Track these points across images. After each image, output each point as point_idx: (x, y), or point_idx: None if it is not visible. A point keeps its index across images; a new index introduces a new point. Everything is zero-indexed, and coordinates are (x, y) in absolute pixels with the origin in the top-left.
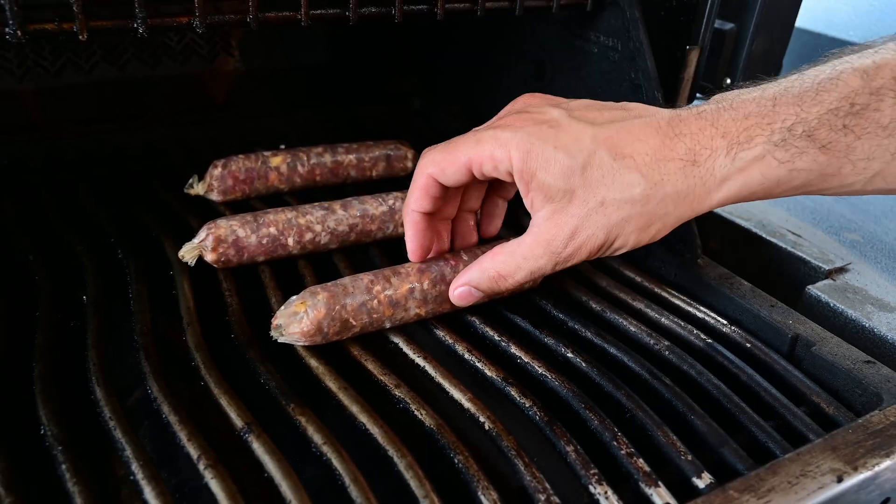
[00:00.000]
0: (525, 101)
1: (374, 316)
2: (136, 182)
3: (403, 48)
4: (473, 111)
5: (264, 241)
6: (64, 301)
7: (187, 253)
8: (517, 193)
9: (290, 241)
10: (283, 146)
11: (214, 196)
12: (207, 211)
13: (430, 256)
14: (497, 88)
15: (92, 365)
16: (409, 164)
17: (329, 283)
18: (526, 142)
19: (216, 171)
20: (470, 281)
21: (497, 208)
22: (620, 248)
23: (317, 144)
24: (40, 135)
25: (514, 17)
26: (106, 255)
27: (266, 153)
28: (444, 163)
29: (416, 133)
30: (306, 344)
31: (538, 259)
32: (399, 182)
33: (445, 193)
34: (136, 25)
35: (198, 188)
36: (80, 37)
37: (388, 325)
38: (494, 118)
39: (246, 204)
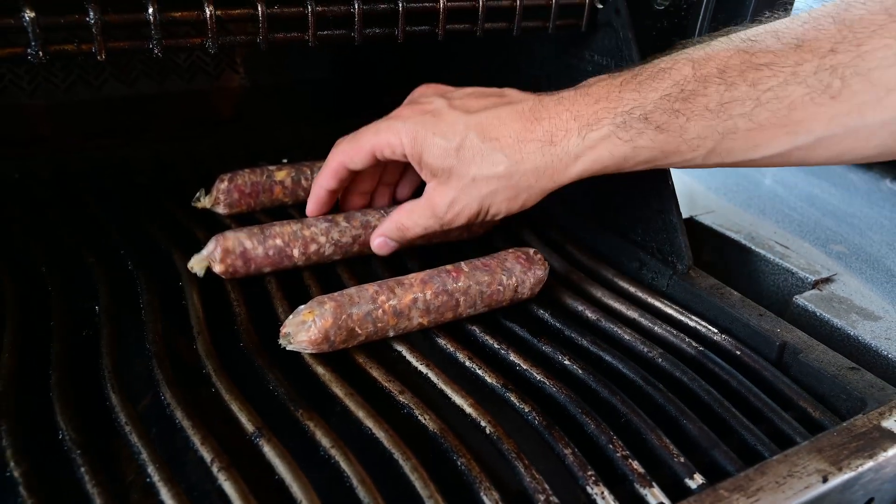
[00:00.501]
0: (420, 91)
1: (379, 325)
2: (144, 195)
3: (405, 64)
4: None
5: (271, 253)
6: (77, 311)
7: (196, 264)
8: None
9: (296, 253)
10: (285, 160)
11: (220, 209)
12: (213, 224)
13: (343, 206)
14: None
15: (107, 372)
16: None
17: (335, 294)
18: (412, 130)
19: (222, 185)
20: (385, 232)
21: (411, 180)
22: (496, 215)
23: (320, 158)
24: (49, 149)
25: (511, 36)
26: (116, 267)
27: (271, 167)
28: (351, 152)
29: None
30: (313, 352)
31: (427, 219)
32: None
33: (354, 175)
34: (151, 46)
35: (204, 201)
36: (99, 57)
37: (391, 333)
38: (393, 112)
39: (251, 217)
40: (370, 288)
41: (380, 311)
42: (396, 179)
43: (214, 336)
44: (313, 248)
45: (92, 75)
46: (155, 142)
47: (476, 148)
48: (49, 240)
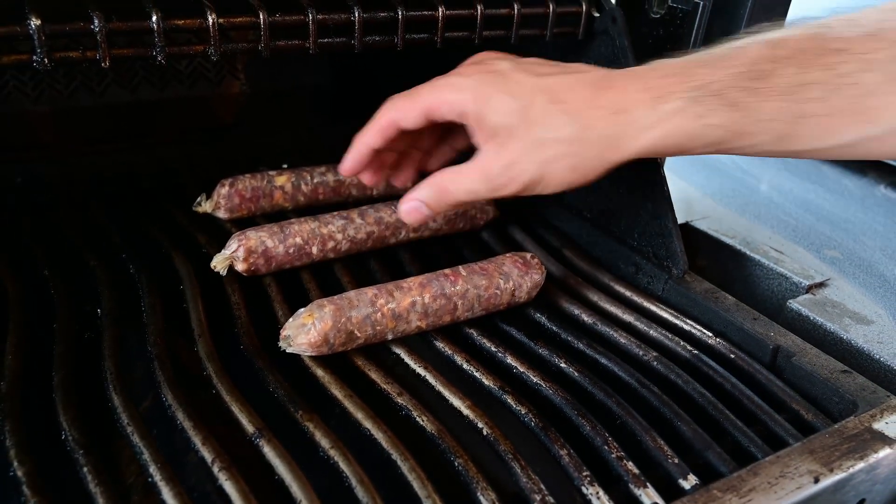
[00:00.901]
0: (482, 55)
1: (378, 328)
2: (146, 199)
3: (402, 70)
4: None
5: (291, 251)
6: (80, 313)
7: (219, 263)
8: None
9: (314, 250)
10: (285, 165)
11: (221, 213)
12: (214, 228)
13: (362, 178)
14: None
15: (109, 374)
16: (409, 183)
17: (335, 297)
18: (476, 86)
19: (223, 190)
20: (421, 196)
21: (444, 154)
22: (550, 185)
23: (319, 164)
24: (52, 154)
25: (508, 44)
26: (118, 270)
27: (271, 172)
28: (405, 107)
29: None
30: (313, 354)
31: (475, 183)
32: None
33: (400, 135)
34: (155, 53)
35: (206, 206)
36: (103, 64)
37: (390, 336)
38: (453, 70)
39: (251, 221)
40: (369, 291)
41: (378, 314)
42: (429, 148)
43: (215, 338)
44: (331, 244)
45: (94, 81)
46: (156, 147)
47: (543, 109)
48: (51, 243)
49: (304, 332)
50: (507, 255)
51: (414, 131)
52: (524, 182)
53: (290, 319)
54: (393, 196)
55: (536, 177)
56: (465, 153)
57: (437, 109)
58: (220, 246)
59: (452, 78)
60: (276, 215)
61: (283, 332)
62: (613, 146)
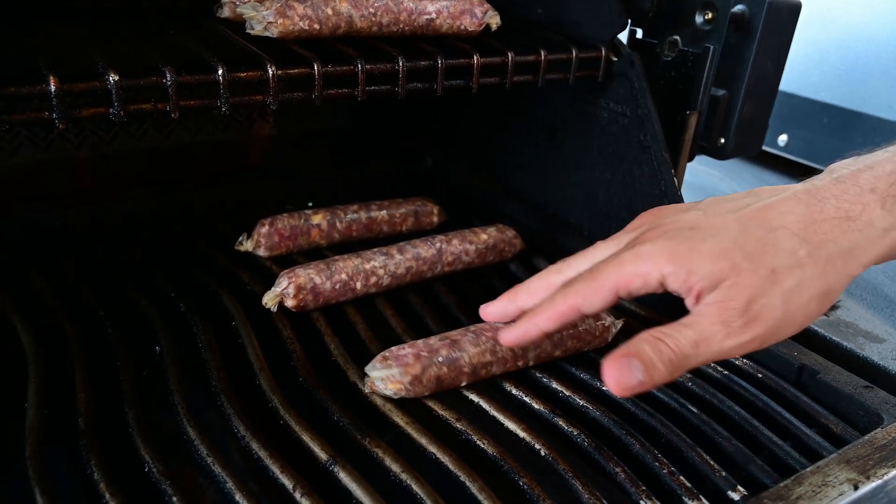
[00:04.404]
0: (650, 216)
1: (456, 375)
2: (181, 241)
3: (417, 114)
4: (484, 167)
5: (337, 287)
6: (139, 352)
7: (270, 300)
8: None
9: (358, 285)
10: (310, 204)
11: (262, 252)
12: (256, 266)
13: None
14: (509, 146)
15: (180, 408)
16: (435, 219)
17: (420, 343)
18: (669, 247)
19: (263, 229)
20: (640, 354)
21: None
22: (796, 322)
23: (341, 202)
24: (90, 198)
25: (536, 87)
26: (169, 310)
27: (307, 211)
28: (587, 292)
29: (430, 188)
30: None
31: (711, 334)
32: (425, 235)
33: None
34: (220, 104)
35: (247, 245)
36: (173, 115)
37: (464, 382)
38: (621, 235)
39: (290, 259)
40: (459, 337)
41: (462, 361)
42: None
43: (273, 372)
44: (373, 280)
45: (133, 127)
46: (188, 190)
47: (762, 239)
48: (97, 285)
49: (390, 379)
50: None
51: None
52: (767, 324)
53: (375, 366)
54: (421, 232)
55: (782, 314)
56: None
57: (627, 285)
58: (264, 283)
59: (637, 247)
60: (311, 252)
61: (371, 378)
62: (855, 257)
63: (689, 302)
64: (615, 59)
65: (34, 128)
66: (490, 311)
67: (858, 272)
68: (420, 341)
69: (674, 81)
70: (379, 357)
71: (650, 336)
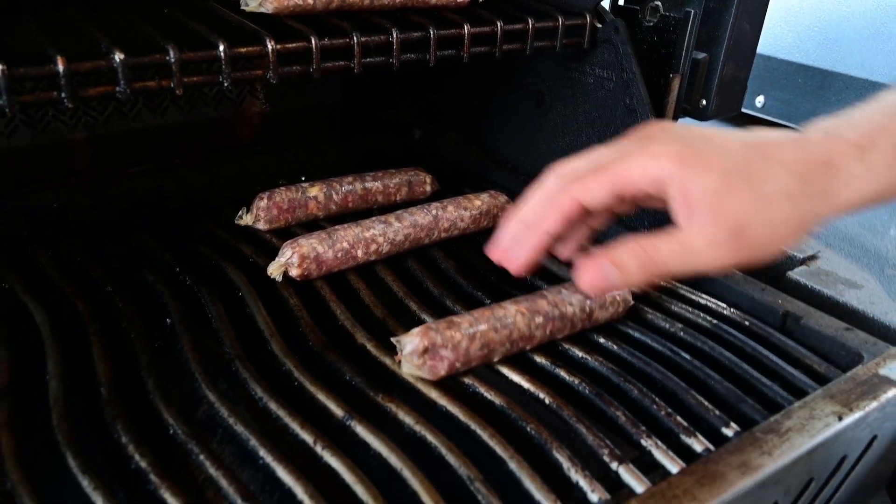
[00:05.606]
0: (647, 129)
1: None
2: (180, 218)
3: (406, 85)
4: (473, 138)
5: (339, 255)
6: (151, 324)
7: (275, 270)
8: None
9: (359, 253)
10: (303, 178)
11: (261, 225)
12: (256, 239)
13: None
14: (497, 116)
15: (197, 374)
16: (428, 189)
17: (455, 318)
18: (676, 150)
19: (262, 203)
20: (617, 260)
21: (582, 235)
22: (772, 246)
23: (345, 174)
24: (87, 180)
25: (524, 55)
26: (176, 284)
27: (304, 184)
28: (591, 184)
29: (420, 160)
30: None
31: (697, 248)
32: (419, 204)
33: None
34: (222, 79)
35: (246, 218)
36: (177, 91)
37: (497, 358)
38: (623, 141)
39: (288, 231)
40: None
41: (497, 337)
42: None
43: (283, 338)
44: (373, 247)
45: (127, 107)
46: (182, 168)
47: (763, 166)
48: (103, 263)
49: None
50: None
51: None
52: (752, 247)
53: (405, 342)
54: (415, 202)
55: (767, 237)
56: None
57: (632, 182)
58: (266, 255)
59: (644, 143)
60: (309, 224)
61: (399, 355)
62: (831, 200)
63: (680, 213)
64: (599, 25)
65: (28, 109)
66: (501, 243)
67: (830, 214)
68: (458, 335)
69: (656, 46)
70: (420, 349)
71: (634, 244)
